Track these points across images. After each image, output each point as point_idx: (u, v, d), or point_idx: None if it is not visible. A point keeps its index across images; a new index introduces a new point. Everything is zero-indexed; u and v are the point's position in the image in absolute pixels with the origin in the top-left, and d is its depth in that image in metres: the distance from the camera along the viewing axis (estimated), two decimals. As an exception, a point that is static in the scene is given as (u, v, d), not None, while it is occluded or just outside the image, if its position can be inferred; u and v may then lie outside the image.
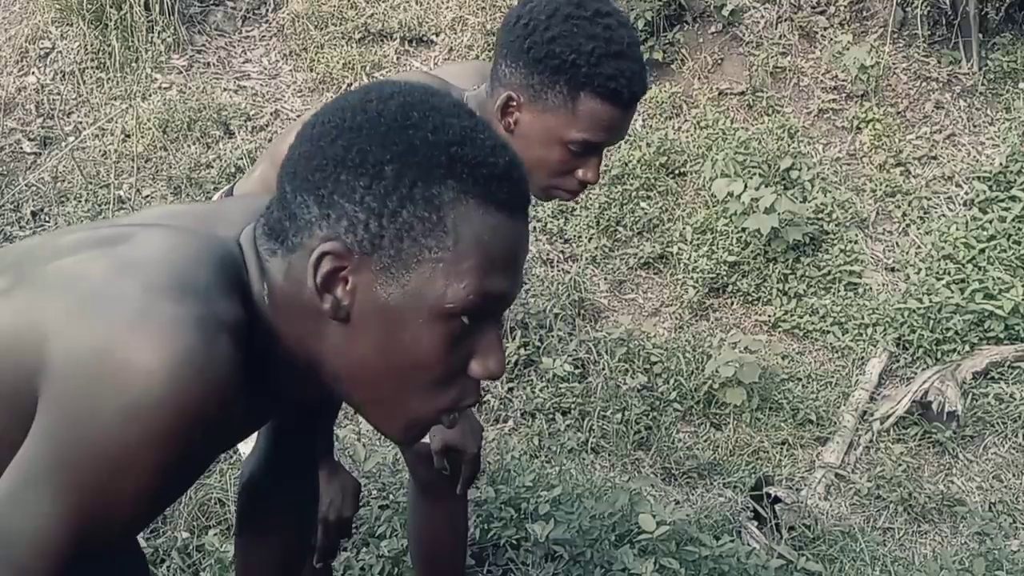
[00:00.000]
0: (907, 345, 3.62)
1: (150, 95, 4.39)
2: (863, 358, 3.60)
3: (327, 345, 0.94)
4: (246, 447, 1.85)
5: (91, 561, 0.89)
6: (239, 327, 0.91)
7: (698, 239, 3.96)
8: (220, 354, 0.87)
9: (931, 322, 3.60)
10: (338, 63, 4.57)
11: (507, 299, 0.93)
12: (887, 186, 4.14)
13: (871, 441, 3.27)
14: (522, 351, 3.35)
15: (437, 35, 4.77)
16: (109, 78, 4.44)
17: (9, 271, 0.97)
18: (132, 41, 4.51)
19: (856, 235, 4.00)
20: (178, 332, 0.85)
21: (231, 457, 2.66)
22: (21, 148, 4.18)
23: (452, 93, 1.69)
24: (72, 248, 0.96)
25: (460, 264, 0.88)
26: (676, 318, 3.77)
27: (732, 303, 3.84)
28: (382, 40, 4.75)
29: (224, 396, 0.87)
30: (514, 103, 1.55)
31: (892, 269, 3.94)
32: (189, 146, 4.14)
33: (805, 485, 3.08)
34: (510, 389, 3.27)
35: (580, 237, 4.00)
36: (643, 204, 4.10)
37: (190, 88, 4.45)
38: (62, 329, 0.87)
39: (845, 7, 4.65)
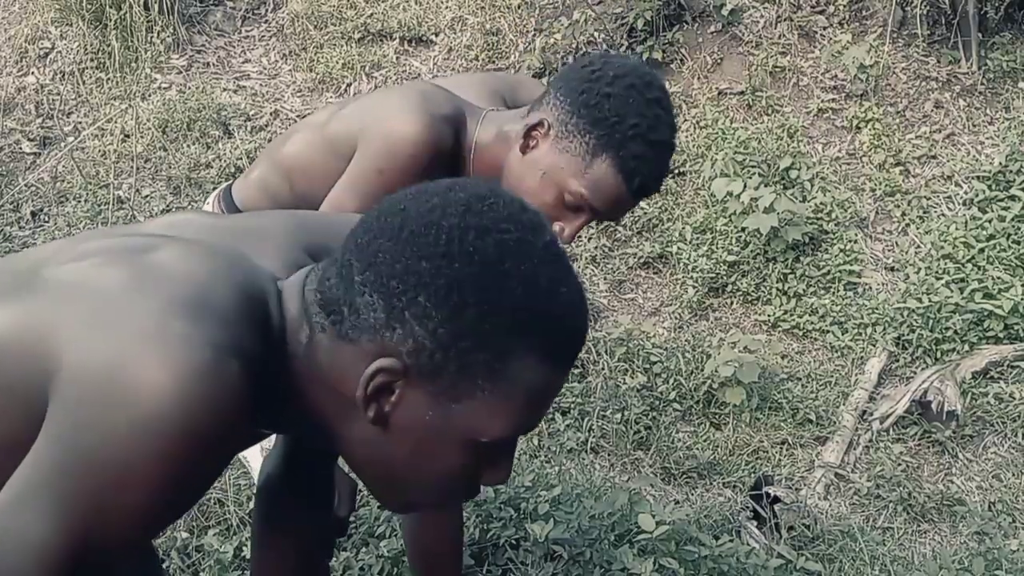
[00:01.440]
0: (906, 345, 3.62)
1: (149, 95, 4.39)
2: (863, 358, 3.60)
3: (352, 433, 0.96)
4: (249, 453, 1.85)
5: (97, 572, 0.89)
6: (253, 356, 0.91)
7: (697, 239, 3.96)
8: (230, 378, 0.87)
9: (930, 322, 3.60)
10: (338, 63, 4.57)
11: (536, 426, 0.97)
12: (886, 186, 4.14)
13: (870, 441, 3.27)
14: (522, 351, 3.35)
15: (436, 35, 4.77)
16: (108, 78, 4.44)
17: (27, 274, 0.96)
18: (131, 41, 4.51)
19: (855, 235, 4.00)
20: (190, 352, 0.85)
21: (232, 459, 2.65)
22: (20, 148, 4.18)
23: (467, 112, 1.70)
24: (94, 253, 0.96)
25: (507, 407, 0.91)
26: (676, 318, 3.77)
27: (732, 303, 3.84)
28: (381, 40, 4.75)
29: (231, 419, 0.87)
30: (542, 129, 1.58)
31: (891, 269, 3.94)
32: (188, 146, 4.14)
33: (804, 485, 3.08)
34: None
35: (579, 237, 4.00)
36: (642, 204, 4.10)
37: (189, 88, 4.45)
38: (77, 337, 0.87)
39: (844, 7, 4.65)
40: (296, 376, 0.96)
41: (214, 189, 3.90)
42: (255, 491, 1.43)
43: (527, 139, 1.59)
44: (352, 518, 2.30)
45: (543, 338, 0.90)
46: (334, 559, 2.18)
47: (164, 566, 2.28)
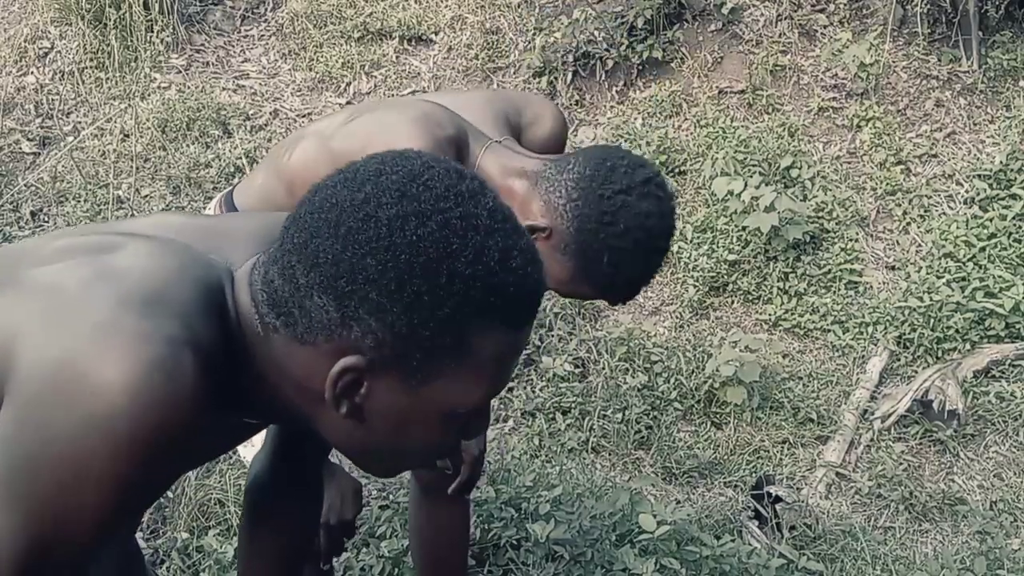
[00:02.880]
0: (908, 344, 3.61)
1: (149, 95, 4.39)
2: (864, 357, 3.60)
3: (327, 423, 0.96)
4: (245, 450, 1.85)
5: (65, 573, 0.88)
6: (211, 350, 0.90)
7: (698, 238, 3.95)
8: (184, 372, 0.86)
9: (932, 320, 3.60)
10: (337, 62, 4.57)
11: (505, 386, 0.98)
12: (887, 184, 4.14)
13: (872, 440, 3.26)
14: (522, 350, 3.34)
15: (436, 34, 4.76)
16: (108, 78, 4.43)
17: (3, 273, 0.96)
18: (131, 41, 4.50)
19: (856, 233, 3.99)
20: (143, 346, 0.84)
21: (231, 458, 2.65)
22: (20, 148, 4.17)
23: (470, 134, 1.68)
24: (59, 254, 0.96)
25: (476, 377, 0.91)
26: (676, 317, 3.76)
27: (732, 302, 3.84)
28: (381, 39, 4.74)
29: (186, 414, 0.86)
30: (543, 234, 1.57)
31: (893, 267, 3.94)
32: (188, 146, 4.14)
33: (806, 484, 3.08)
34: (510, 389, 3.26)
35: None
36: (643, 203, 4.08)
37: (189, 88, 4.45)
38: (32, 335, 0.87)
39: (845, 5, 4.64)
40: (259, 368, 0.96)
41: (214, 189, 3.91)
42: (244, 489, 1.43)
43: (533, 221, 1.59)
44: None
45: (502, 309, 0.89)
46: (334, 560, 2.17)
47: (164, 567, 2.28)
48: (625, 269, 1.55)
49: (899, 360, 3.59)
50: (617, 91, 4.52)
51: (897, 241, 4.02)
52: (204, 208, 2.65)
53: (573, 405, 3.22)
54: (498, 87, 4.49)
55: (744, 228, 3.84)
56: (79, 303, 0.88)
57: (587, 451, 3.10)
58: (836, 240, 3.94)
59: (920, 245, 3.97)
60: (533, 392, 3.24)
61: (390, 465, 1.03)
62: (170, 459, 0.88)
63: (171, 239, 1.00)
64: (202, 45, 4.73)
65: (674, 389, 3.34)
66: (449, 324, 0.87)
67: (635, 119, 4.40)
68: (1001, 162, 4.09)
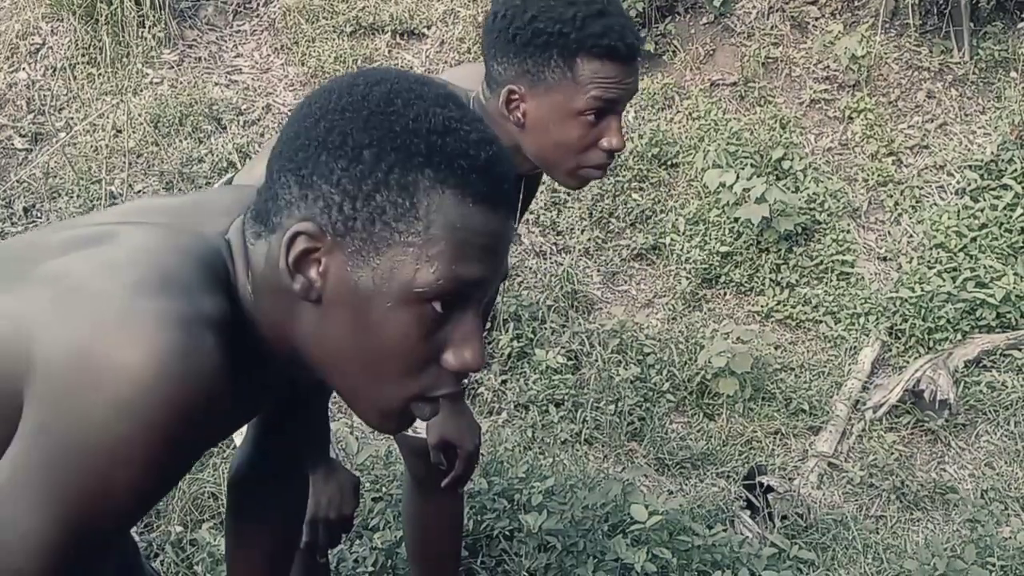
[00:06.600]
0: (899, 334, 3.63)
1: (141, 90, 4.39)
2: (856, 347, 3.61)
3: (301, 328, 0.95)
4: (239, 437, 1.86)
5: (91, 561, 0.90)
6: (223, 322, 0.92)
7: (691, 230, 3.96)
8: (204, 348, 0.87)
9: (923, 311, 3.61)
10: (329, 57, 4.57)
11: (482, 285, 0.92)
12: (879, 176, 4.15)
13: (864, 430, 3.28)
14: (515, 343, 3.36)
15: (428, 28, 4.76)
16: (100, 73, 4.43)
17: (6, 270, 0.97)
18: (123, 36, 4.50)
19: (848, 225, 4.00)
20: (161, 328, 0.86)
21: (224, 451, 2.66)
22: (12, 144, 4.17)
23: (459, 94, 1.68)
24: (59, 248, 0.97)
25: (430, 249, 0.89)
26: (669, 309, 3.78)
27: (725, 293, 3.85)
28: (373, 33, 4.74)
29: (210, 389, 0.87)
30: (516, 95, 1.51)
31: (884, 258, 3.95)
32: (181, 141, 4.14)
33: (798, 474, 3.09)
34: (503, 381, 3.27)
35: (573, 229, 4.00)
36: (635, 195, 4.10)
37: (181, 83, 4.45)
38: (47, 329, 0.88)
39: (836, -3, 4.65)
40: (253, 307, 0.97)
41: (207, 183, 3.91)
42: (227, 482, 1.43)
43: (512, 114, 1.53)
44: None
45: (447, 170, 0.88)
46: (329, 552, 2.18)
47: (158, 560, 2.29)
48: (561, 12, 1.46)
49: (891, 350, 3.61)
50: (609, 84, 4.53)
51: (889, 232, 4.03)
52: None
53: (566, 397, 3.23)
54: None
55: (736, 220, 3.85)
56: (91, 294, 0.89)
57: (580, 443, 3.11)
58: (828, 231, 3.95)
59: (911, 236, 3.98)
60: (526, 384, 3.25)
61: (373, 392, 0.95)
62: (196, 434, 0.89)
63: (164, 223, 1.02)
64: (194, 40, 4.73)
65: (666, 380, 3.35)
66: (390, 178, 0.88)
67: (627, 112, 4.40)
68: (992, 152, 4.11)
